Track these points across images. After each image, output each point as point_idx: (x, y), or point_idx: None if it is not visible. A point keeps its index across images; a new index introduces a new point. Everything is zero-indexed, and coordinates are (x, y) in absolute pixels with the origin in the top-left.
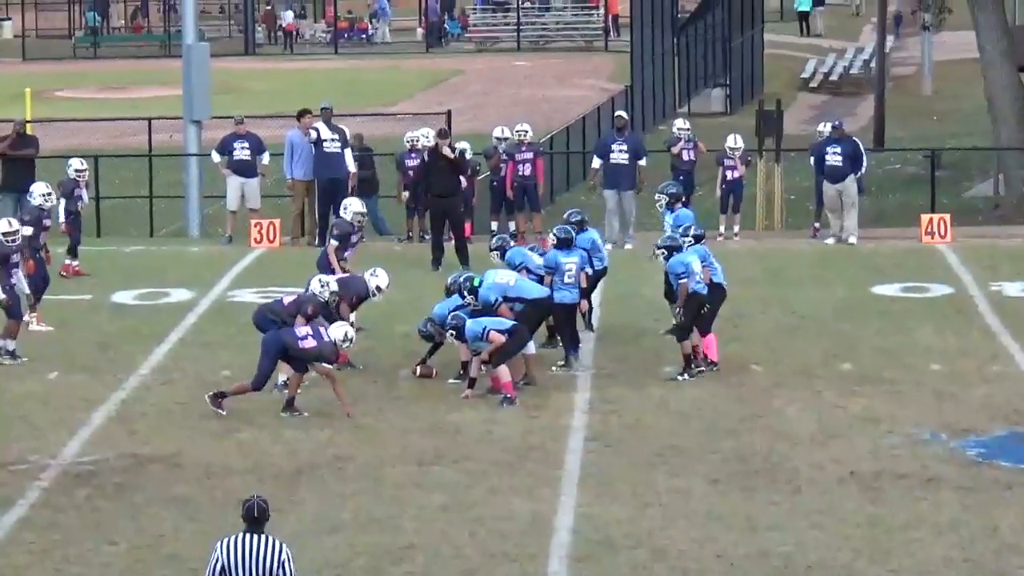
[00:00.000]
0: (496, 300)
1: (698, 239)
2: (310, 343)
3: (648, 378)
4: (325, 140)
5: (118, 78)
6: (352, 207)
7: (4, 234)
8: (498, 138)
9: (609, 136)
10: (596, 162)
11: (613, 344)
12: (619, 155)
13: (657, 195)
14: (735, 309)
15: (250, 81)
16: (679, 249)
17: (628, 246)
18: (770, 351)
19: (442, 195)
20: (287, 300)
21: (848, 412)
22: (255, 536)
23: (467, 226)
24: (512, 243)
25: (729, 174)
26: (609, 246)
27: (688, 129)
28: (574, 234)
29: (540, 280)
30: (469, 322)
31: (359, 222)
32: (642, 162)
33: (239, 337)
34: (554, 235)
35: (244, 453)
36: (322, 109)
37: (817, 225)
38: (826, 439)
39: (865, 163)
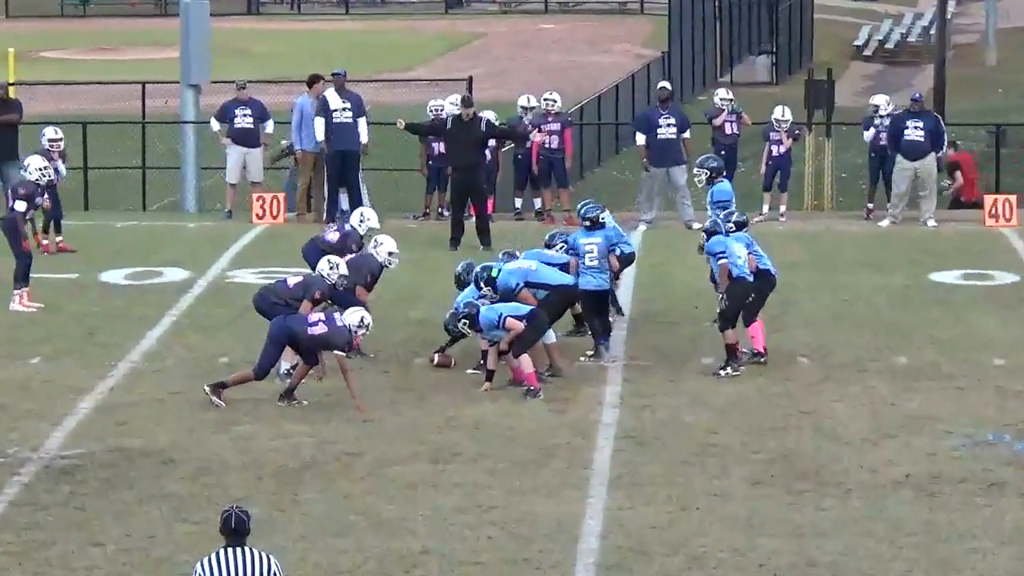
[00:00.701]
0: (517, 285)
1: (740, 226)
2: (320, 329)
3: (685, 370)
4: (336, 110)
5: (109, 38)
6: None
7: None
8: (523, 107)
9: (653, 110)
10: (640, 138)
11: (647, 332)
12: (667, 130)
13: (696, 169)
14: (780, 296)
15: (253, 43)
16: (719, 231)
17: (696, 225)
18: (818, 342)
19: (464, 168)
20: (292, 281)
21: (903, 410)
22: (237, 550)
23: (489, 203)
24: (519, 253)
25: (775, 149)
26: (643, 226)
27: (731, 100)
28: (600, 213)
29: (564, 269)
30: (483, 309)
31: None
32: (686, 135)
33: (239, 321)
34: (578, 214)
35: (242, 448)
36: (334, 75)
37: (870, 205)
38: (879, 439)
39: (946, 141)
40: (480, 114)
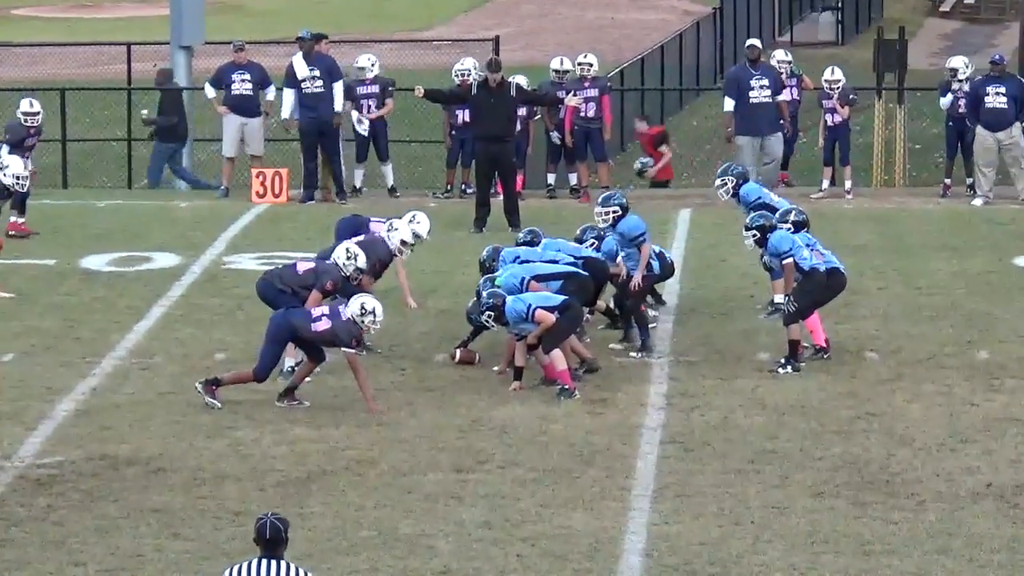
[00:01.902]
0: (523, 280)
1: (799, 226)
2: (324, 324)
3: (739, 367)
4: (304, 79)
5: None
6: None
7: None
8: (556, 71)
9: (742, 69)
10: (728, 103)
11: (696, 324)
12: (760, 92)
13: (719, 179)
14: (847, 284)
15: None
16: (773, 229)
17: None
18: (889, 335)
19: (492, 139)
20: (302, 267)
21: (984, 411)
22: (271, 562)
23: (519, 179)
24: (541, 237)
25: (829, 118)
26: None
27: (790, 62)
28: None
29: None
30: (511, 299)
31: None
32: (782, 96)
33: (237, 312)
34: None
35: (241, 455)
36: (298, 39)
37: (948, 181)
38: (957, 444)
39: None
40: (509, 79)
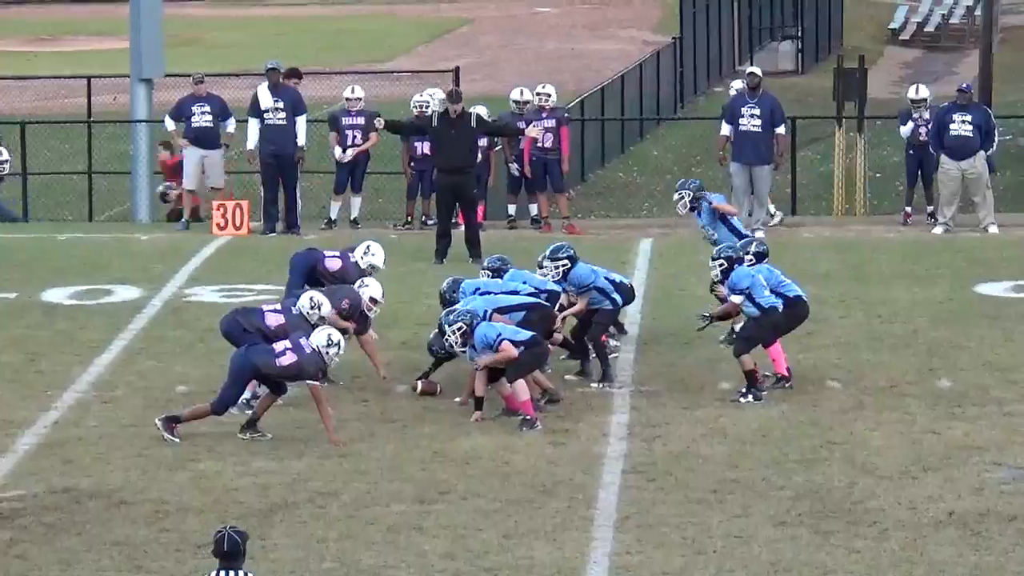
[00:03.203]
0: (486, 312)
1: (760, 256)
2: (289, 359)
3: (701, 396)
4: (267, 109)
5: (50, 27)
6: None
7: None
8: (516, 102)
9: (739, 97)
10: (725, 128)
11: (657, 354)
12: (751, 120)
13: (676, 193)
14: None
15: (212, 31)
16: (740, 261)
17: (759, 234)
18: (850, 364)
19: (453, 170)
20: (272, 319)
21: (946, 439)
22: (230, 573)
23: (480, 209)
24: (510, 266)
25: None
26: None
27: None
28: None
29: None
30: (483, 324)
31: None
32: (780, 129)
33: (198, 345)
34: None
35: (203, 488)
36: (268, 71)
37: (908, 209)
38: (919, 472)
39: (996, 137)
40: (470, 109)
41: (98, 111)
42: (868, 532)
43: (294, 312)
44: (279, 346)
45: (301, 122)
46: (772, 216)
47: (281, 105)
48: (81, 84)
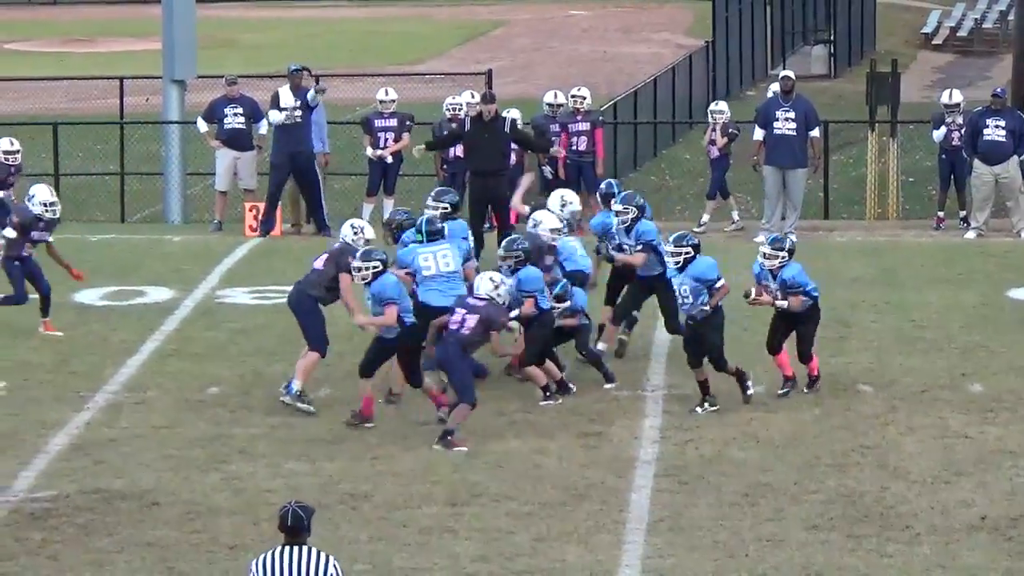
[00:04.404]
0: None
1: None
2: (470, 323)
3: (733, 400)
4: (286, 109)
5: (83, 28)
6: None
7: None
8: (550, 105)
9: (773, 101)
10: (758, 133)
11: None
12: (784, 124)
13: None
14: (839, 317)
15: (245, 33)
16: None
17: (791, 238)
18: (883, 368)
19: (486, 174)
20: (319, 262)
21: (979, 444)
22: (295, 549)
23: (513, 212)
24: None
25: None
26: (762, 236)
27: (723, 113)
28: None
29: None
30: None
31: None
32: (814, 133)
33: (230, 346)
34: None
35: (235, 489)
36: (291, 73)
37: (941, 214)
38: (951, 477)
39: None
40: (504, 113)
41: (130, 112)
42: (900, 536)
43: (336, 245)
44: (455, 319)
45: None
46: (734, 222)
47: (298, 104)
48: (113, 85)
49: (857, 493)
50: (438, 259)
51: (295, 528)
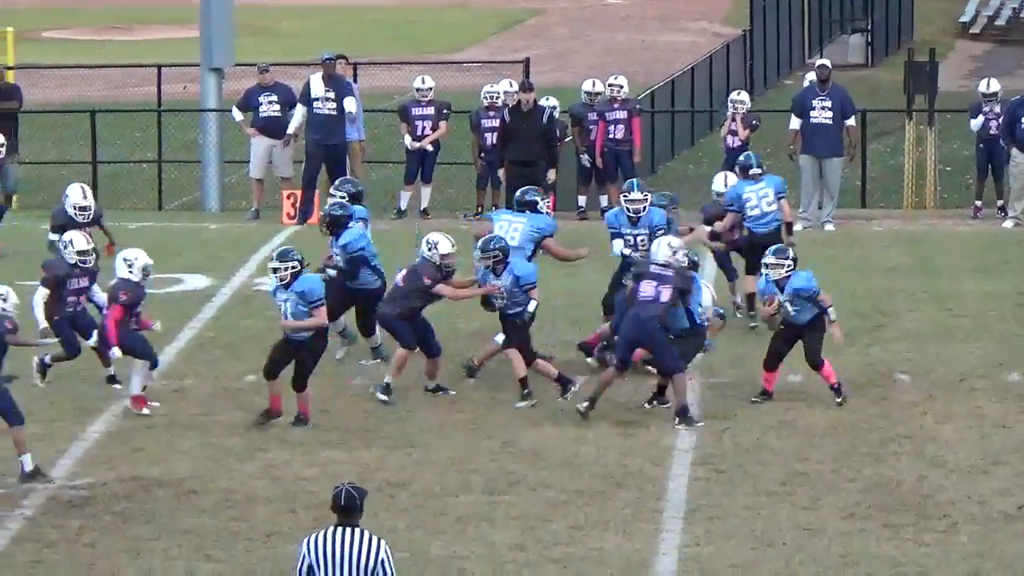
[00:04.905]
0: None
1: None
2: (667, 290)
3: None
4: (318, 99)
5: (121, 15)
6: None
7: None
8: (588, 92)
9: (808, 90)
10: (795, 122)
11: (727, 346)
12: (821, 113)
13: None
14: (876, 306)
15: (282, 21)
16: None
17: (828, 227)
18: (920, 357)
19: (524, 163)
20: (399, 278)
21: (1016, 433)
22: (347, 530)
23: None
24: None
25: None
26: (799, 225)
27: (743, 102)
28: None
29: None
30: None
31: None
32: (850, 121)
33: (268, 334)
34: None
35: (273, 477)
36: (324, 61)
37: (978, 203)
38: (989, 466)
39: None
40: (542, 101)
41: (168, 100)
42: (938, 525)
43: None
44: (646, 292)
45: (348, 103)
46: None
47: (332, 95)
48: (151, 73)
49: (894, 482)
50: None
51: (348, 508)
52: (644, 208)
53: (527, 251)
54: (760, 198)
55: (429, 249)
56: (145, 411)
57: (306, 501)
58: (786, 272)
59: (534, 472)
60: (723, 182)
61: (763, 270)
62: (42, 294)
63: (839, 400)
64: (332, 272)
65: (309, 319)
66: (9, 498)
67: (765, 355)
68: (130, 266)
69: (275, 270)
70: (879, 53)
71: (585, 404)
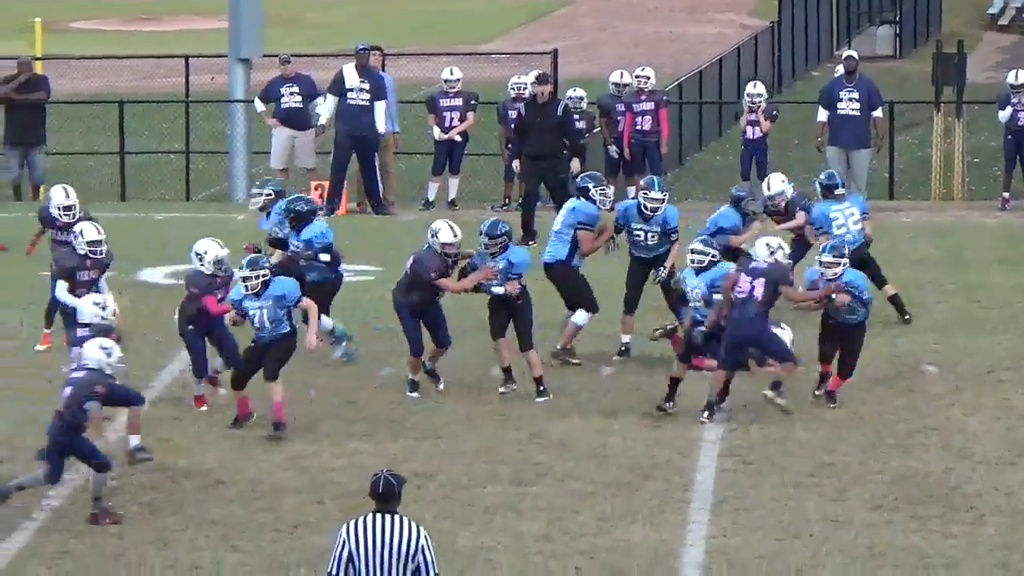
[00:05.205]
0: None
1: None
2: (760, 283)
3: (797, 379)
4: (351, 89)
5: (149, 6)
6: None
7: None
8: (615, 84)
9: (836, 81)
10: (822, 114)
11: None
12: (848, 104)
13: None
14: (905, 298)
15: (310, 11)
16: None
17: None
18: (948, 349)
19: (538, 156)
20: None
21: None
22: (386, 517)
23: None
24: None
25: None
26: None
27: (761, 95)
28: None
29: None
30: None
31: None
32: (877, 112)
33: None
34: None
35: (300, 468)
36: (358, 52)
37: (1006, 195)
38: (1016, 457)
39: None
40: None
41: (196, 91)
42: (965, 517)
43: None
44: (742, 287)
45: (379, 107)
46: None
47: (367, 86)
48: (179, 64)
49: (921, 473)
50: None
51: (385, 495)
52: (661, 207)
53: (566, 236)
54: (847, 218)
55: (432, 237)
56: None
57: (333, 492)
58: (841, 271)
59: (561, 463)
60: (767, 185)
61: (818, 267)
62: (63, 286)
63: (818, 394)
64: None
65: (311, 314)
66: (35, 489)
67: (819, 354)
68: (200, 259)
69: (245, 279)
70: (907, 45)
71: (705, 413)
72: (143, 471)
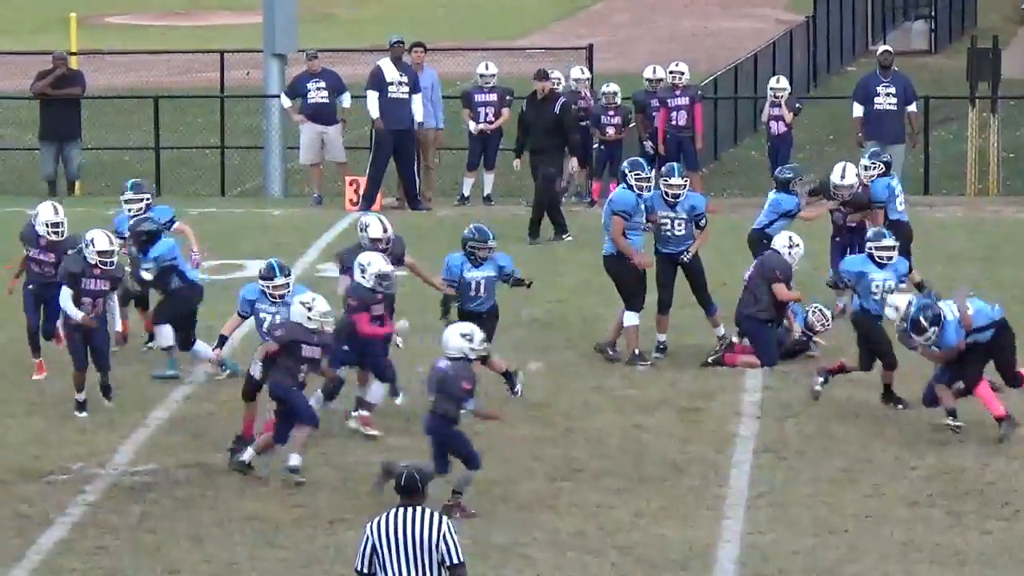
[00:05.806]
0: None
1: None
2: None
3: (833, 377)
4: (391, 83)
5: (184, 2)
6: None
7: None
8: (649, 79)
9: (872, 76)
10: (858, 109)
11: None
12: (885, 99)
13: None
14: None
15: (345, 7)
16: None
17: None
18: None
19: (537, 151)
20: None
21: None
22: (408, 509)
23: (596, 186)
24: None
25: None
26: None
27: (785, 89)
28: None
29: None
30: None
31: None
32: (912, 107)
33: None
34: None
35: (336, 463)
36: (392, 44)
37: None
38: None
39: None
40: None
41: (231, 86)
42: (1001, 513)
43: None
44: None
45: (417, 99)
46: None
47: (405, 80)
48: (214, 59)
49: (957, 469)
50: None
51: (408, 489)
52: (683, 193)
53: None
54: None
55: (360, 231)
56: (372, 431)
57: (368, 488)
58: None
59: (596, 459)
60: (840, 174)
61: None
62: (67, 293)
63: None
64: (144, 278)
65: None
66: (71, 484)
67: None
68: (363, 271)
69: (284, 286)
70: (942, 40)
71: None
72: (177, 466)
